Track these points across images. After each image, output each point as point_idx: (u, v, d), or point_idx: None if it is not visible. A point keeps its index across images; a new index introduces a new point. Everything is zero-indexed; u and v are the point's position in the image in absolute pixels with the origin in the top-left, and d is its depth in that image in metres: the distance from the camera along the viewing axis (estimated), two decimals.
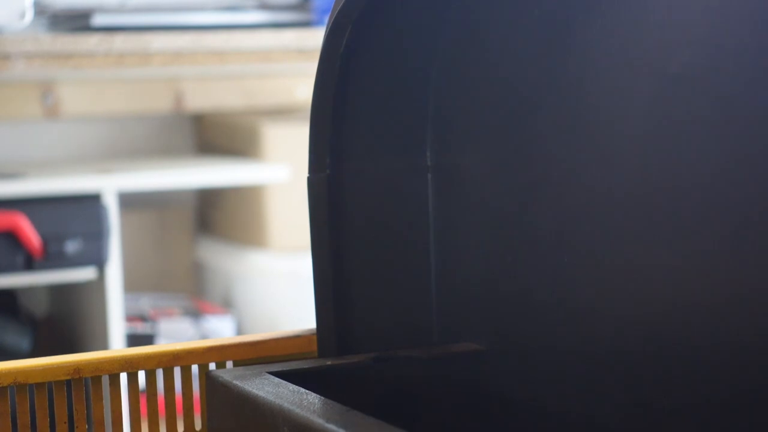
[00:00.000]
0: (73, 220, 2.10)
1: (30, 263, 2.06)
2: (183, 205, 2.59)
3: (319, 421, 0.75)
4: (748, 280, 0.77)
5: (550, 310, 0.89)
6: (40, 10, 2.28)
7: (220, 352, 0.93)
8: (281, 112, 2.52)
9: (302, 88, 2.45)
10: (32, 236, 2.07)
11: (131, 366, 0.90)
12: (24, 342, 2.17)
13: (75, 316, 2.27)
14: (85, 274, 2.10)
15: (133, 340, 2.21)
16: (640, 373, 0.84)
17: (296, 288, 2.24)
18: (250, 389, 0.82)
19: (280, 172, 2.31)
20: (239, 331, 2.34)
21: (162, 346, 0.92)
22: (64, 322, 2.33)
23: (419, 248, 0.96)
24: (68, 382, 0.89)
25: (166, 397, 0.92)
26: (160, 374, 0.92)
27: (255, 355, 0.93)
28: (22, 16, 2.13)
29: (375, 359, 0.91)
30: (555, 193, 0.88)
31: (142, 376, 0.92)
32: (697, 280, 0.80)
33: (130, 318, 2.27)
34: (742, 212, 0.77)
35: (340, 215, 0.91)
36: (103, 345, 2.10)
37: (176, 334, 2.25)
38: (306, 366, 0.89)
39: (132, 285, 2.39)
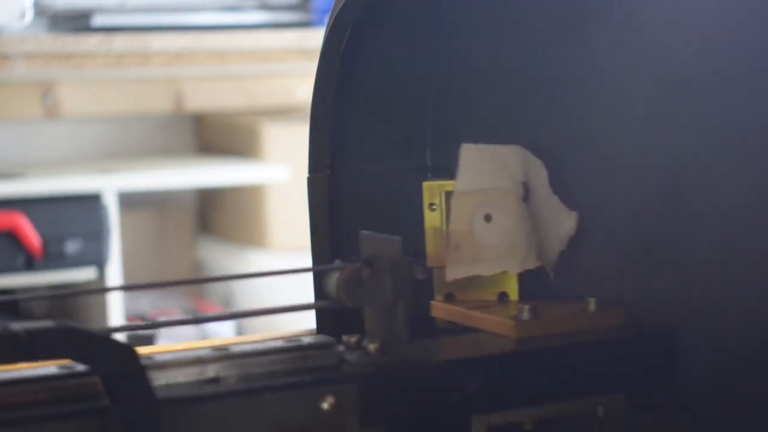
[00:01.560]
0: (73, 220, 2.10)
1: (30, 263, 2.06)
2: (183, 205, 2.59)
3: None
4: (749, 279, 0.77)
5: None
6: (40, 11, 2.28)
7: None
8: (281, 112, 2.52)
9: (302, 88, 2.45)
10: (32, 236, 2.07)
11: None
12: None
13: (75, 316, 2.27)
14: (85, 274, 2.10)
15: (133, 340, 2.21)
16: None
17: (296, 288, 2.24)
18: None
19: (280, 172, 2.31)
20: (239, 331, 2.34)
21: (162, 346, 0.92)
22: None
23: (419, 248, 0.96)
24: None
25: None
26: None
27: None
28: (22, 16, 2.13)
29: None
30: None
31: None
32: (698, 280, 0.80)
33: (130, 318, 2.27)
34: (743, 211, 0.77)
35: (340, 215, 0.91)
36: None
37: (176, 335, 2.24)
38: None
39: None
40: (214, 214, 2.57)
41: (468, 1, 0.92)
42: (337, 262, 0.75)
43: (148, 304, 2.36)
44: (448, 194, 0.84)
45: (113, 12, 2.27)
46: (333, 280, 0.74)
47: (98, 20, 2.24)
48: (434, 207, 0.84)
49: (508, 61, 0.91)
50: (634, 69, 0.82)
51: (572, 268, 0.85)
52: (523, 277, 0.86)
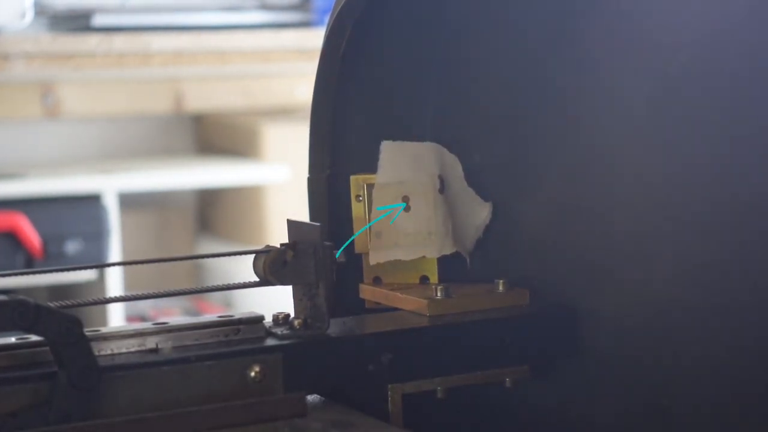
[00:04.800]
0: (73, 220, 2.10)
1: (30, 263, 2.06)
2: (183, 205, 2.59)
3: (318, 423, 0.76)
4: (747, 280, 0.77)
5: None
6: (40, 11, 2.28)
7: None
8: (281, 112, 2.52)
9: (302, 88, 2.45)
10: (32, 236, 2.07)
11: None
12: None
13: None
14: (85, 274, 2.10)
15: None
16: (639, 373, 0.84)
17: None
18: None
19: (279, 172, 2.31)
20: None
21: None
22: None
23: None
24: None
25: None
26: None
27: None
28: (22, 16, 2.13)
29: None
30: (554, 193, 0.88)
31: None
32: (697, 280, 0.80)
33: (130, 318, 2.27)
34: (742, 212, 0.77)
35: (340, 215, 0.91)
36: None
37: None
38: None
39: (132, 285, 2.39)
40: (214, 214, 2.57)
41: (468, 2, 0.92)
42: (266, 246, 0.82)
43: (149, 304, 2.36)
44: (371, 186, 0.90)
45: (113, 12, 2.27)
46: (261, 261, 0.81)
47: (98, 20, 2.24)
48: (360, 198, 0.90)
49: (507, 62, 0.91)
50: (634, 69, 0.82)
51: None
52: (445, 262, 0.91)
